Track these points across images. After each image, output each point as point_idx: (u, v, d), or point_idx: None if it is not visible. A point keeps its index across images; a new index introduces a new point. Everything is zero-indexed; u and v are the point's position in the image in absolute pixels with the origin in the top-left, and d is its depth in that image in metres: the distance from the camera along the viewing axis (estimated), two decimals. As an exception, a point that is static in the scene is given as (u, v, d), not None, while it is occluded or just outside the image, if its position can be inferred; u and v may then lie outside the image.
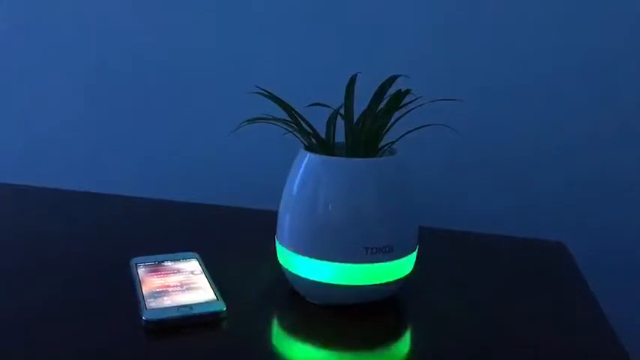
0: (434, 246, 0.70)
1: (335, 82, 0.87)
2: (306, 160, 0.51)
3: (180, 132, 0.95)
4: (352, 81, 0.55)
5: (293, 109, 0.54)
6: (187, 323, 0.48)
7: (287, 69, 0.88)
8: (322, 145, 0.54)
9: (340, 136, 0.86)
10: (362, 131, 0.52)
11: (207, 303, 0.50)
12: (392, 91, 0.83)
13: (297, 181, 0.51)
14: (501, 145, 0.83)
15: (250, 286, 0.57)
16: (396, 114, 0.79)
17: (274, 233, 0.72)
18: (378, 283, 0.50)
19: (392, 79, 0.53)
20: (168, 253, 0.64)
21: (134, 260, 0.60)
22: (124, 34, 0.94)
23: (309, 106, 0.57)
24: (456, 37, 0.81)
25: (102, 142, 1.00)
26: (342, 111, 0.93)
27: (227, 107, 0.92)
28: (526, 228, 0.85)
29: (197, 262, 0.60)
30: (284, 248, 0.52)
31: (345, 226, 0.49)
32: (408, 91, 0.50)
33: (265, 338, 0.47)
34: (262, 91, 0.76)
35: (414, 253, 0.53)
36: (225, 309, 0.50)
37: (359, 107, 0.82)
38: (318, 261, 0.49)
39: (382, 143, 0.60)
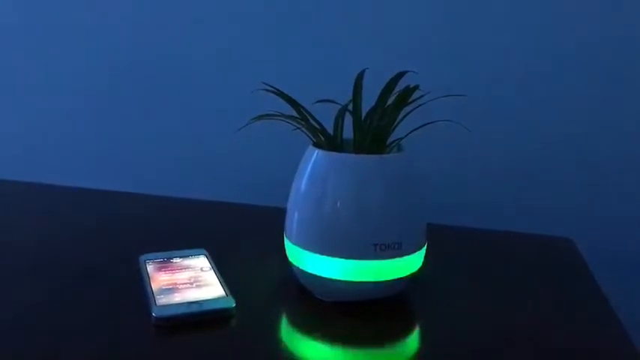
0: (442, 242, 0.70)
1: (343, 79, 0.87)
2: (314, 156, 0.51)
3: (189, 129, 0.96)
4: (360, 77, 0.55)
5: (301, 106, 0.54)
6: (197, 319, 0.48)
7: (294, 65, 0.88)
8: (330, 142, 0.54)
9: (348, 133, 0.86)
10: (370, 128, 0.52)
11: (217, 299, 0.51)
12: (400, 87, 0.83)
13: (305, 178, 0.52)
14: (510, 141, 0.83)
15: (259, 282, 0.57)
16: (404, 110, 0.79)
17: (283, 230, 0.72)
18: (387, 279, 0.50)
19: (400, 75, 0.53)
20: (177, 249, 0.64)
21: (143, 257, 0.60)
22: (130, 32, 0.94)
23: (316, 102, 0.57)
24: (464, 33, 0.81)
25: (110, 139, 1.00)
26: (350, 107, 0.92)
27: (235, 104, 0.92)
28: (534, 225, 0.85)
29: (206, 259, 0.60)
30: (292, 245, 0.52)
31: (353, 223, 0.49)
32: (416, 87, 0.50)
33: (274, 334, 0.47)
34: (270, 88, 0.76)
35: (423, 250, 0.53)
36: (234, 305, 0.50)
37: (367, 103, 0.82)
38: (326, 257, 0.50)
39: (390, 139, 0.60)
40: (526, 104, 0.81)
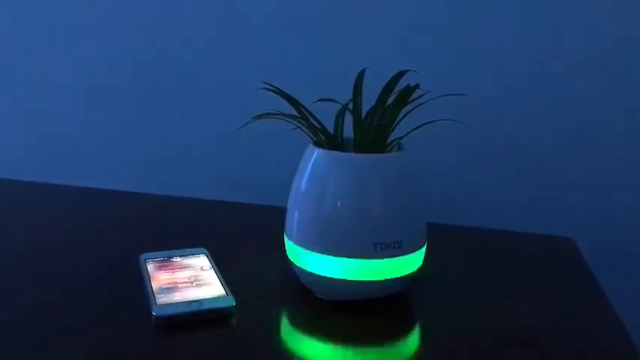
0: (443, 242, 0.70)
1: (343, 78, 0.87)
2: (314, 155, 0.51)
3: (189, 128, 0.96)
4: (360, 76, 0.55)
5: (301, 105, 0.54)
6: (197, 319, 0.48)
7: (294, 65, 0.88)
8: (330, 141, 0.54)
9: (349, 132, 0.86)
10: (370, 127, 0.52)
11: (217, 298, 0.51)
12: (400, 86, 0.83)
13: (305, 177, 0.51)
14: (511, 141, 0.83)
15: (259, 281, 0.57)
16: (405, 109, 0.79)
17: (283, 229, 0.72)
18: (387, 278, 0.50)
19: (400, 74, 0.53)
20: (177, 248, 0.64)
21: (143, 256, 0.60)
22: (130, 31, 0.94)
23: (317, 101, 0.57)
24: (464, 33, 0.81)
25: (110, 138, 1.00)
26: (350, 106, 0.93)
27: (235, 103, 0.92)
28: (535, 224, 0.85)
29: (206, 258, 0.60)
30: (293, 244, 0.52)
31: (353, 222, 0.49)
32: (416, 86, 0.50)
33: (274, 333, 0.47)
34: (270, 87, 0.76)
35: (423, 249, 0.53)
36: (234, 304, 0.50)
37: (367, 103, 0.82)
38: (326, 256, 0.50)
39: (390, 138, 0.60)
40: (526, 104, 0.81)
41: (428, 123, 0.56)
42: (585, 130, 0.80)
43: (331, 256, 0.49)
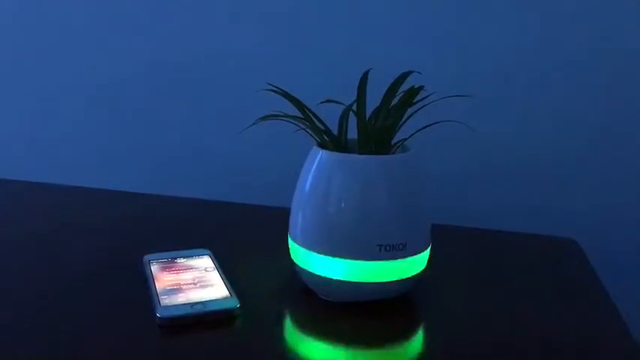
0: (447, 243, 0.70)
1: (347, 79, 0.87)
2: (318, 157, 0.51)
3: (193, 129, 0.96)
4: (364, 77, 0.55)
5: (305, 106, 0.54)
6: (201, 320, 0.48)
7: (298, 66, 0.88)
8: (334, 142, 0.54)
9: (352, 133, 0.86)
10: (374, 128, 0.52)
11: (221, 300, 0.50)
12: (404, 87, 0.83)
13: (309, 179, 0.51)
14: (514, 142, 0.83)
15: (263, 283, 0.57)
16: (409, 110, 0.79)
17: (287, 230, 0.72)
18: (391, 280, 0.50)
19: (404, 76, 0.53)
20: (181, 250, 0.64)
21: (147, 257, 0.60)
22: (133, 32, 0.94)
23: (321, 103, 0.57)
24: (469, 34, 0.81)
25: (114, 139, 1.00)
26: (354, 107, 0.92)
27: (238, 105, 0.92)
28: (539, 225, 0.84)
29: (210, 259, 0.60)
30: (297, 245, 0.52)
31: (357, 224, 0.49)
32: (421, 88, 0.50)
33: (278, 335, 0.47)
34: (274, 88, 0.76)
35: (427, 251, 0.53)
36: (238, 306, 0.50)
37: (372, 104, 0.82)
38: (330, 258, 0.49)
39: (395, 140, 0.60)
40: (530, 105, 0.81)
41: (432, 124, 0.56)
42: (587, 131, 0.80)
43: (335, 258, 0.49)
